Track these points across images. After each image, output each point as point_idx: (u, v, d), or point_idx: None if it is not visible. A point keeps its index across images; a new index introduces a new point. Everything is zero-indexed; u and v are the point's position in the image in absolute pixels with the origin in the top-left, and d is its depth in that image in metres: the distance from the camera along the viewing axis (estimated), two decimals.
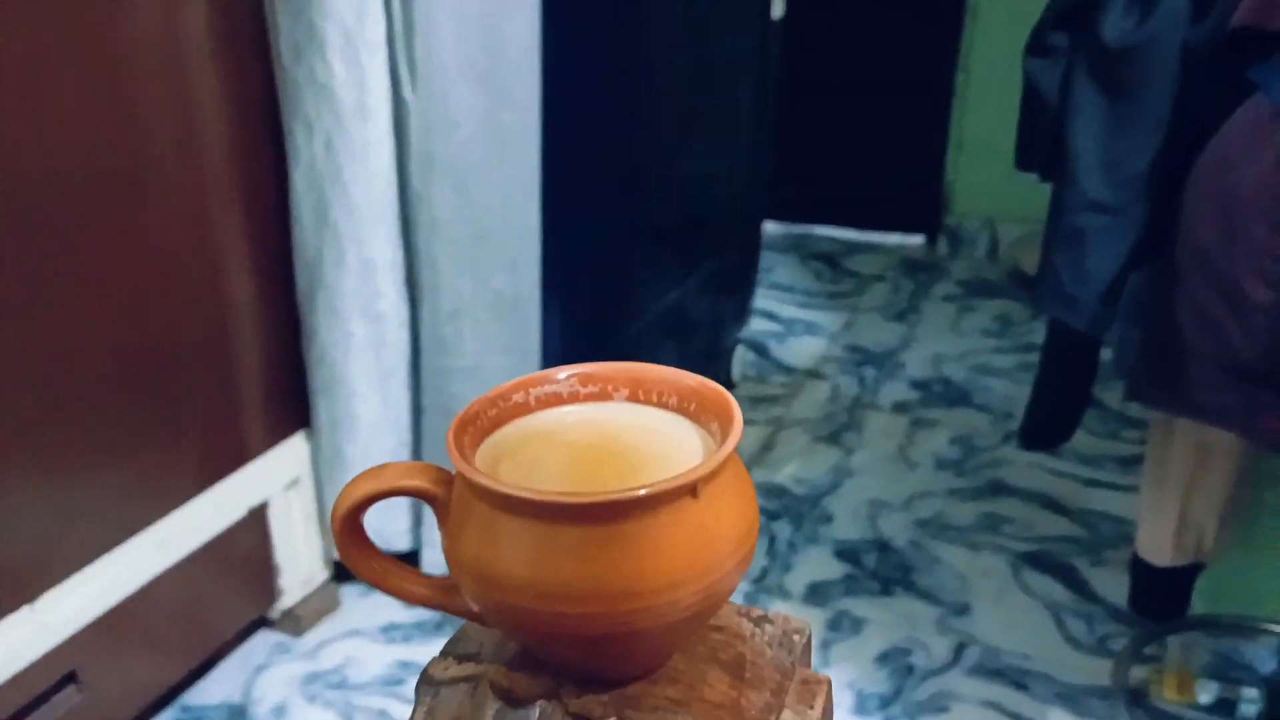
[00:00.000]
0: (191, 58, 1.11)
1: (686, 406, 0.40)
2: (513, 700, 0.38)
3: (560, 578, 0.35)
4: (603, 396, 0.41)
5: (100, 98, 1.03)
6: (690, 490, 0.35)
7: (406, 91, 1.17)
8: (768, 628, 0.42)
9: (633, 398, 0.41)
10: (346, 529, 0.38)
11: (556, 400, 0.41)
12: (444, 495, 0.38)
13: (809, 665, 0.42)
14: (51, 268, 1.01)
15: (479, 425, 0.39)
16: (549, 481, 0.38)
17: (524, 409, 0.41)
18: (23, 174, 0.97)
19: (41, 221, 1.00)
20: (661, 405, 0.40)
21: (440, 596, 0.40)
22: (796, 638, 0.41)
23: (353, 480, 0.38)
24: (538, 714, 0.38)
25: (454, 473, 0.38)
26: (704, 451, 0.38)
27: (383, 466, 0.38)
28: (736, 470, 0.37)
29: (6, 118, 0.95)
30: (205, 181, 1.15)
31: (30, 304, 1.00)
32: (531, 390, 0.41)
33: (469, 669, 0.39)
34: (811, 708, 0.38)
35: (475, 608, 0.38)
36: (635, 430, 0.40)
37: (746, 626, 0.42)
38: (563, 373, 0.41)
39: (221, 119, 1.15)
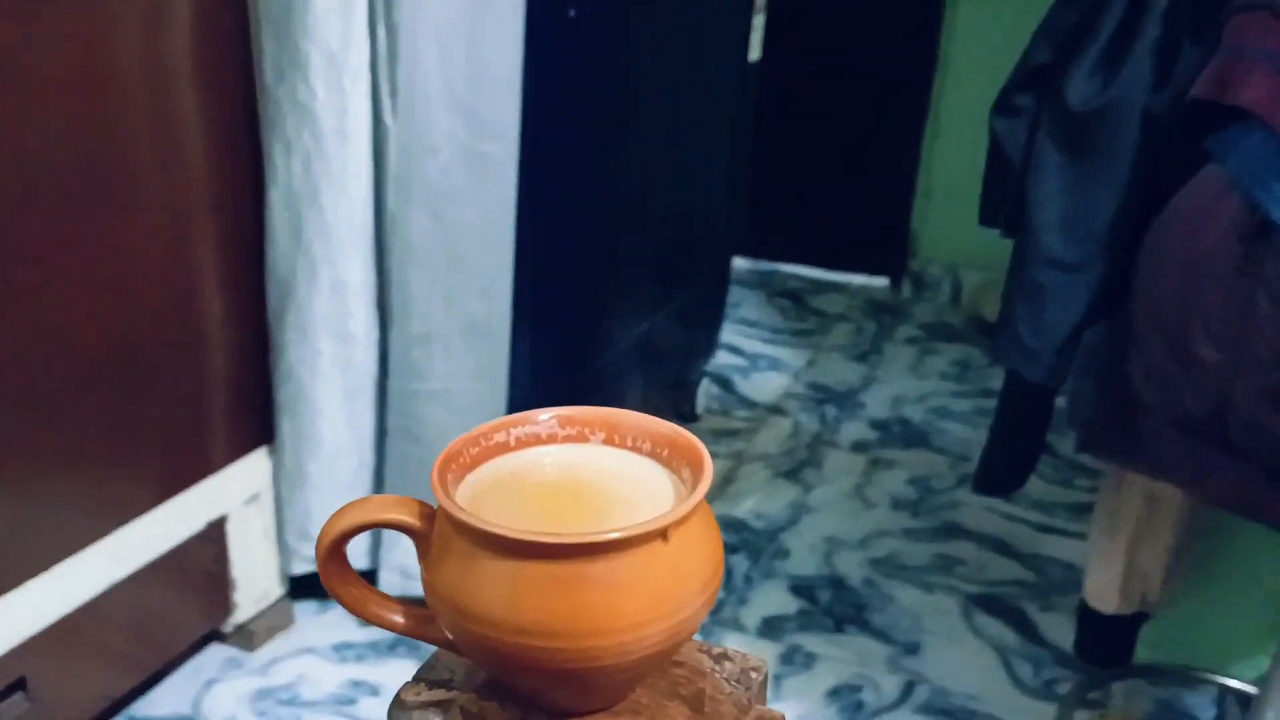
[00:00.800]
0: (174, 73, 1.12)
1: (660, 452, 0.42)
2: None
3: (534, 613, 0.36)
4: (580, 439, 0.43)
5: (80, 106, 1.03)
6: (661, 534, 0.37)
7: (387, 116, 1.19)
8: (727, 665, 0.43)
9: (609, 441, 0.43)
10: (330, 557, 0.40)
11: (535, 440, 0.43)
12: (425, 529, 0.40)
13: (765, 702, 0.44)
14: (19, 271, 1.01)
15: (461, 462, 0.41)
16: (526, 520, 0.39)
17: (504, 448, 0.42)
18: None
19: (11, 225, 0.99)
20: (636, 450, 0.42)
21: (416, 625, 0.41)
22: (754, 675, 0.43)
23: (339, 511, 0.39)
24: None
25: (435, 508, 0.39)
26: (674, 496, 0.40)
27: (368, 499, 0.40)
28: (705, 516, 0.39)
29: None
30: (181, 194, 1.16)
31: None
32: (512, 430, 0.42)
33: (440, 695, 0.41)
34: None
35: (450, 637, 0.39)
36: (610, 474, 0.41)
37: (706, 663, 0.43)
38: (544, 414, 0.43)
39: (201, 134, 1.16)
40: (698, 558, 0.38)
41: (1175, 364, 0.93)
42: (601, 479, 0.41)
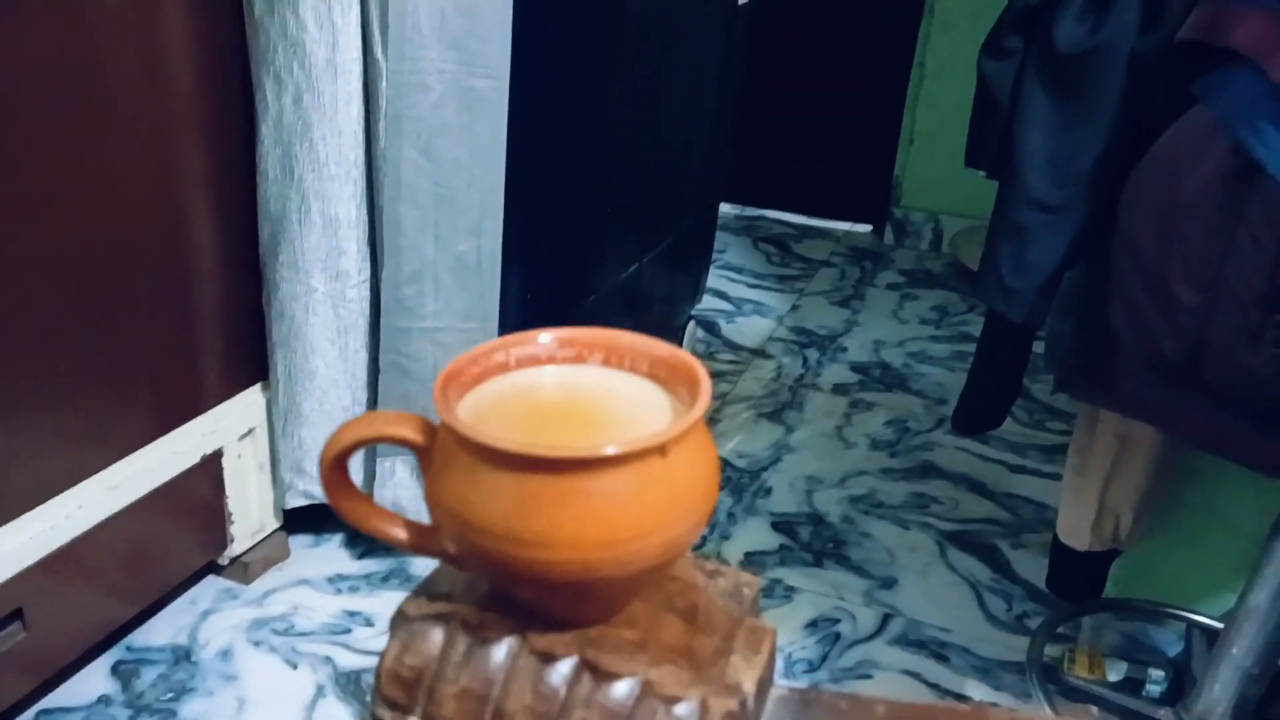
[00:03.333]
0: (161, 2, 1.11)
1: (657, 373, 0.43)
2: (482, 637, 0.41)
3: (536, 525, 0.38)
4: (578, 360, 0.44)
5: (65, 33, 1.02)
6: (660, 450, 0.38)
7: (378, 51, 1.18)
8: (720, 580, 0.45)
9: (607, 362, 0.44)
10: (333, 472, 0.41)
11: (535, 361, 0.44)
12: (427, 444, 0.41)
13: (757, 616, 0.46)
14: (4, 193, 1.00)
15: (462, 380, 0.42)
16: (527, 436, 0.41)
17: (504, 367, 0.43)
18: None
19: None
20: (634, 370, 0.43)
21: (419, 539, 0.43)
22: (746, 590, 0.45)
23: (342, 426, 0.40)
24: (505, 651, 0.41)
25: (437, 424, 0.41)
26: (671, 416, 0.41)
27: (372, 415, 0.41)
28: (702, 434, 0.41)
29: None
30: (170, 125, 1.15)
31: None
32: (512, 350, 0.43)
33: (441, 608, 0.42)
34: (758, 653, 0.42)
35: (453, 550, 0.41)
36: (609, 392, 0.43)
37: (700, 578, 0.45)
38: (543, 335, 0.44)
39: (189, 65, 1.15)
40: (694, 474, 0.40)
41: (1154, 305, 0.95)
42: (601, 397, 0.42)
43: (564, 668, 0.40)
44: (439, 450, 0.40)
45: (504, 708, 0.39)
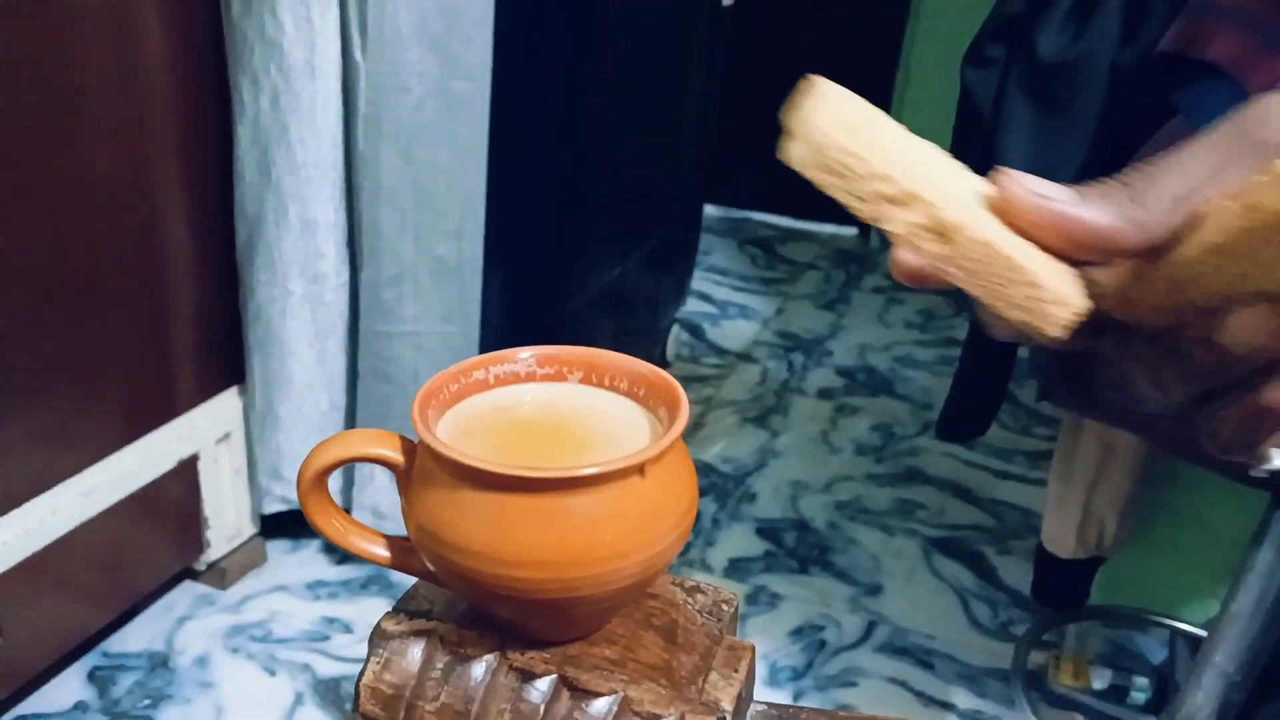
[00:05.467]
0: (137, 1, 1.09)
1: (636, 391, 0.43)
2: (462, 655, 0.40)
3: (514, 545, 0.38)
4: (558, 378, 0.44)
5: (37, 32, 1.00)
6: (639, 470, 0.38)
7: (357, 53, 1.18)
8: (699, 597, 0.45)
9: (586, 380, 0.43)
10: (312, 490, 0.40)
11: (514, 379, 0.43)
12: (406, 463, 0.40)
13: (735, 634, 0.45)
14: None
15: (441, 398, 0.41)
16: (506, 455, 0.40)
17: (484, 385, 0.43)
18: None
19: None
20: (613, 389, 0.43)
21: (398, 557, 0.42)
22: (725, 607, 0.45)
23: (320, 445, 0.40)
24: (484, 668, 0.40)
25: (416, 442, 0.40)
26: (650, 434, 0.41)
27: (349, 433, 0.40)
28: (681, 453, 0.40)
29: None
30: (145, 126, 1.14)
31: None
32: (492, 368, 0.43)
33: (420, 624, 0.42)
34: (736, 671, 0.41)
35: (431, 568, 0.40)
36: (588, 411, 0.42)
37: (680, 595, 0.45)
38: (523, 353, 0.43)
39: (165, 66, 1.14)
40: (673, 493, 0.40)
41: None
42: (580, 416, 0.42)
43: (543, 685, 0.39)
44: (418, 469, 0.40)
45: None
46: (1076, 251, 0.36)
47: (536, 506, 0.37)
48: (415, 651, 0.41)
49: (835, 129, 0.34)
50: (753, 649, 0.43)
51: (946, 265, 0.35)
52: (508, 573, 0.38)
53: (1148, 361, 0.37)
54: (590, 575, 0.38)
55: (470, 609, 0.43)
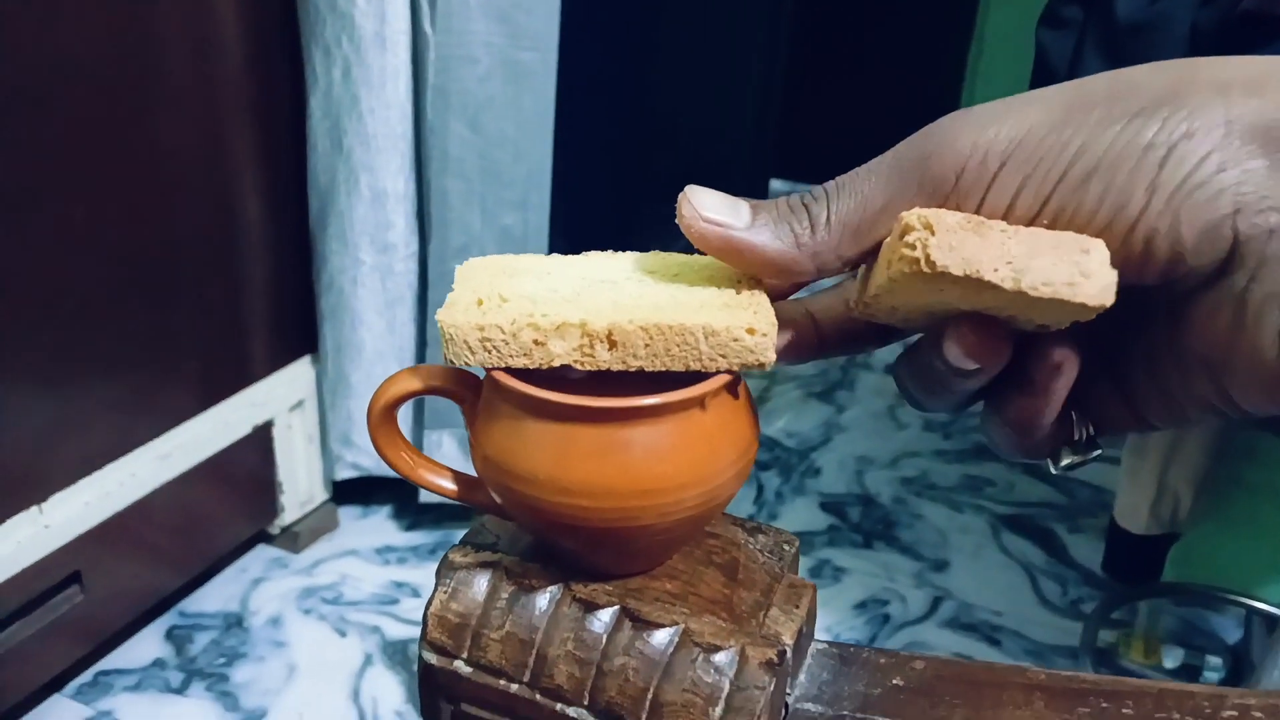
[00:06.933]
0: None
1: None
2: (526, 586, 0.41)
3: (577, 474, 0.38)
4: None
5: (116, 6, 1.03)
6: (699, 402, 0.38)
7: (425, 24, 1.19)
8: (760, 538, 0.45)
9: None
10: (382, 421, 0.41)
11: None
12: (472, 397, 0.41)
13: (797, 573, 0.45)
14: (57, 165, 1.02)
15: None
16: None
17: None
18: (34, 67, 0.97)
19: (51, 118, 1.00)
20: None
21: (464, 490, 0.43)
22: (787, 548, 0.45)
23: (390, 378, 0.41)
24: (548, 599, 0.41)
25: (482, 377, 0.41)
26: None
27: (418, 367, 0.41)
28: (742, 391, 0.40)
29: (23, 11, 0.95)
30: (220, 99, 1.16)
31: (34, 201, 1.00)
32: None
33: (486, 556, 0.43)
34: (797, 607, 0.41)
35: (497, 500, 0.41)
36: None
37: (741, 535, 0.45)
38: None
39: (239, 39, 1.16)
40: (733, 429, 0.40)
41: None
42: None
43: (605, 616, 0.40)
44: (484, 402, 0.41)
45: (546, 653, 0.40)
46: (760, 274, 0.37)
47: (597, 436, 0.38)
48: (481, 582, 0.42)
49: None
50: (814, 588, 0.43)
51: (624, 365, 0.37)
52: (570, 501, 0.38)
53: (910, 373, 0.37)
54: (650, 505, 0.38)
55: (535, 543, 0.43)
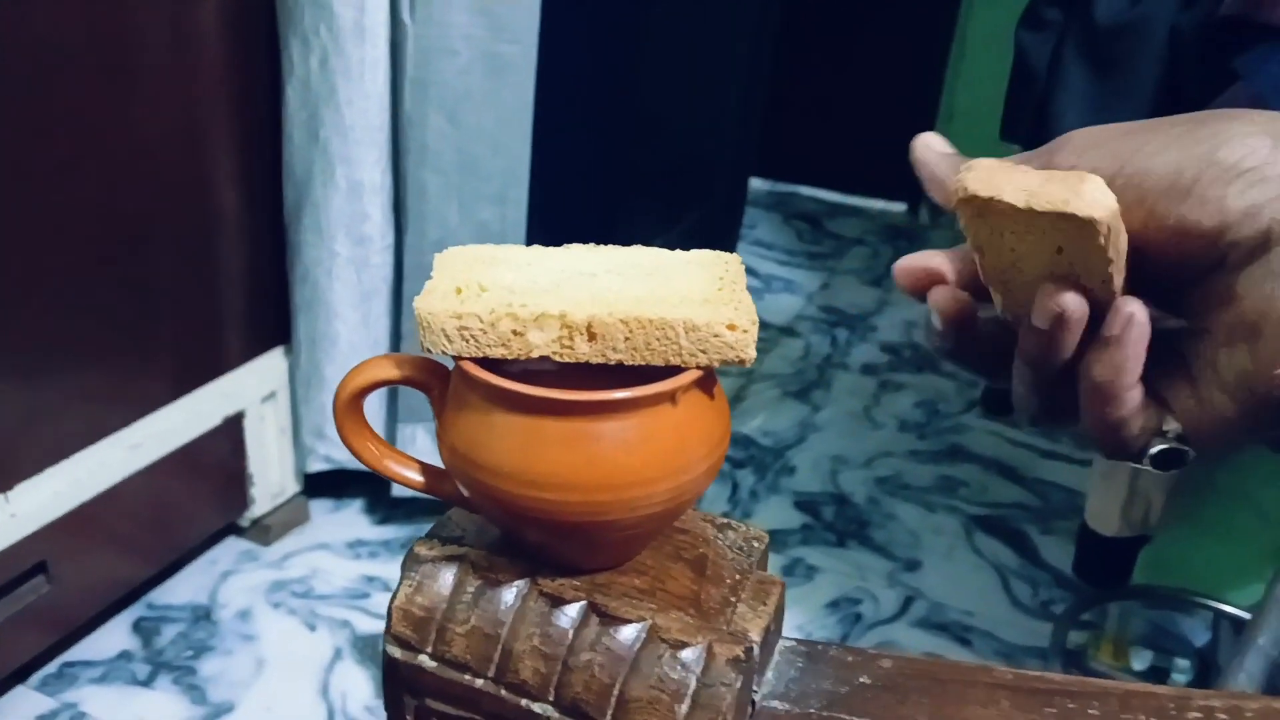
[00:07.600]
0: None
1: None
2: (492, 579, 0.41)
3: (544, 467, 0.38)
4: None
5: None
6: (670, 397, 0.38)
7: (405, 15, 1.18)
8: (729, 533, 0.45)
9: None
10: (348, 411, 0.41)
11: None
12: (440, 387, 0.41)
13: (766, 569, 0.45)
14: (29, 151, 1.00)
15: None
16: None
17: None
18: (10, 55, 0.96)
19: (24, 109, 0.99)
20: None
21: (431, 481, 0.42)
22: (755, 544, 0.44)
23: (356, 367, 0.40)
24: (515, 593, 0.40)
25: (450, 367, 0.40)
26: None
27: (385, 356, 0.41)
28: (714, 386, 0.40)
29: None
30: (196, 87, 1.15)
31: (7, 189, 0.99)
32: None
33: (453, 550, 0.42)
34: (765, 604, 0.41)
35: (465, 493, 0.41)
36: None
37: (710, 531, 0.44)
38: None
39: (216, 26, 1.15)
40: (703, 423, 0.40)
41: None
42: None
43: (572, 611, 0.39)
44: (452, 393, 0.40)
45: (512, 648, 0.39)
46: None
47: (566, 429, 0.37)
48: (447, 576, 0.41)
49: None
50: (782, 584, 0.43)
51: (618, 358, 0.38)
52: (537, 494, 0.38)
53: (1014, 369, 0.38)
54: (619, 499, 0.38)
55: (502, 536, 0.43)
